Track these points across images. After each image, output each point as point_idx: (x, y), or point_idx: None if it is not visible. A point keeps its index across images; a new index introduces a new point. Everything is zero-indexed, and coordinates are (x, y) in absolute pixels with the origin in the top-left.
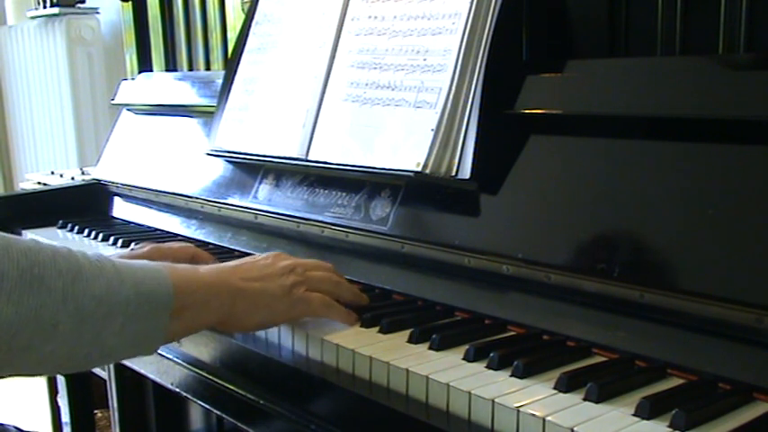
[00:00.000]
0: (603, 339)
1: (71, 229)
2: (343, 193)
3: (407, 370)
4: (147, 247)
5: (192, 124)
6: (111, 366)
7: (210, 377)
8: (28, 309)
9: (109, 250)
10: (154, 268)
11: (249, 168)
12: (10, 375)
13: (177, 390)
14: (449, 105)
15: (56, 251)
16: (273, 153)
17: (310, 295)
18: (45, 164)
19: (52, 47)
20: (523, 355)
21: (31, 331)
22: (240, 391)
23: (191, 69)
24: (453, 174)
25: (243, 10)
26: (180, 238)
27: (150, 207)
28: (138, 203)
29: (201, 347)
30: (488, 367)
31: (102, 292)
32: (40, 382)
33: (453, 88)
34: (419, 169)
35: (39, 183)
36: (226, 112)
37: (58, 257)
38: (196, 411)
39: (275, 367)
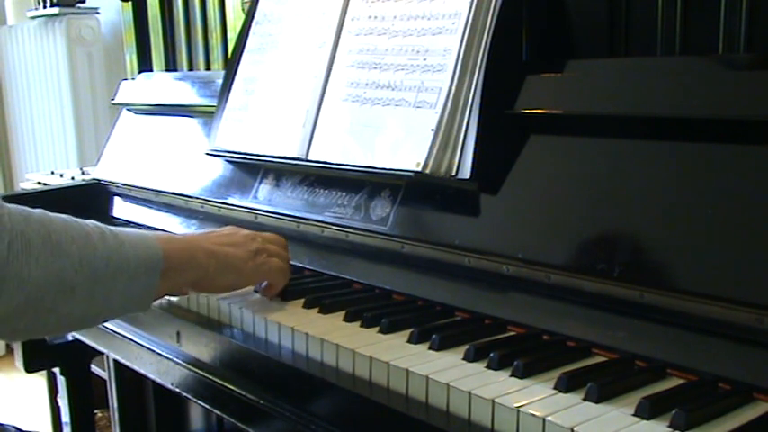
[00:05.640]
0: (603, 339)
1: None
2: (343, 193)
3: (407, 370)
4: None
5: (192, 124)
6: (112, 366)
7: (210, 377)
8: (52, 272)
9: None
10: (142, 233)
11: (249, 168)
12: (29, 338)
13: (177, 390)
14: (449, 105)
15: (65, 219)
16: (273, 153)
17: (271, 260)
18: (45, 164)
19: (52, 47)
20: (523, 355)
21: (54, 293)
22: (240, 391)
23: (191, 69)
24: (453, 174)
25: (243, 10)
26: None
27: (150, 207)
28: (138, 203)
29: (201, 347)
30: (488, 367)
31: (109, 254)
32: (40, 382)
33: (453, 88)
34: (419, 169)
35: (39, 183)
36: (226, 112)
37: (68, 225)
38: (196, 411)
39: (275, 367)
